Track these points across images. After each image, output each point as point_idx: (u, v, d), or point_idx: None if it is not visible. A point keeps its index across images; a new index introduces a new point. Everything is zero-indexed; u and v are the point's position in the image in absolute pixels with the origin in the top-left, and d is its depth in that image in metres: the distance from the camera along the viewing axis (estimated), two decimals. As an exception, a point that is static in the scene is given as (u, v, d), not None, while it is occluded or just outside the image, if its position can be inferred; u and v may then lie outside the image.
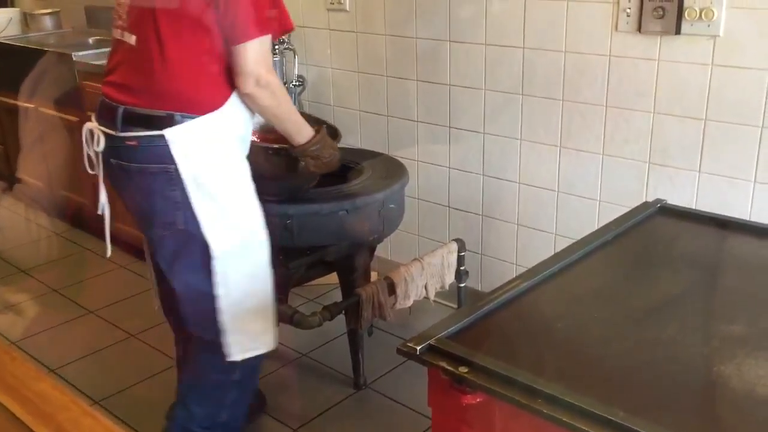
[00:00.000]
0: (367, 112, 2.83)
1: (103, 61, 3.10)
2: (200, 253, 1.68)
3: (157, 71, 1.63)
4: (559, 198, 2.38)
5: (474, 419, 1.09)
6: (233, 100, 1.68)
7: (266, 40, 1.65)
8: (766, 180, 1.96)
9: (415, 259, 2.18)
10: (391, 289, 2.10)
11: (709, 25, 1.94)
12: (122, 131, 1.66)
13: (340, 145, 2.04)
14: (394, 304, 2.12)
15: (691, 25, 1.97)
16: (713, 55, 1.96)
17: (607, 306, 1.29)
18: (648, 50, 2.07)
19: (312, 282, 2.46)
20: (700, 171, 2.07)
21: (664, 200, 1.63)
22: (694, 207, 1.96)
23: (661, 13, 2.00)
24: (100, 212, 1.87)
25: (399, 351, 1.13)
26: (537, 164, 2.39)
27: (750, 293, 1.30)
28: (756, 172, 1.97)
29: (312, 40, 2.91)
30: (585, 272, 1.39)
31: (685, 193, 2.09)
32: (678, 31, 1.99)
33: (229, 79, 1.67)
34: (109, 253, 1.93)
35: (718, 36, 1.94)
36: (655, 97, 2.10)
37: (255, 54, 1.61)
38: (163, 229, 1.70)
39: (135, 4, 1.67)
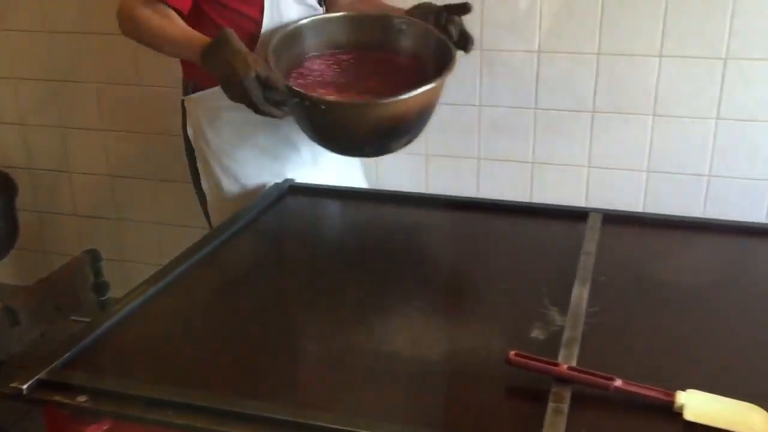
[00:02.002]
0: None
1: None
2: None
3: None
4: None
5: (105, 450, 0.96)
6: None
7: None
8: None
9: (40, 280, 1.93)
10: (14, 318, 1.83)
11: None
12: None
13: None
14: (21, 335, 1.85)
15: None
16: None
17: (243, 295, 1.24)
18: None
19: None
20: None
21: (292, 180, 1.65)
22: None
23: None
24: None
25: (2, 395, 0.95)
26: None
27: (375, 256, 1.36)
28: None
29: None
30: (219, 264, 1.33)
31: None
32: None
33: None
34: None
35: None
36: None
37: None
38: None
39: None
